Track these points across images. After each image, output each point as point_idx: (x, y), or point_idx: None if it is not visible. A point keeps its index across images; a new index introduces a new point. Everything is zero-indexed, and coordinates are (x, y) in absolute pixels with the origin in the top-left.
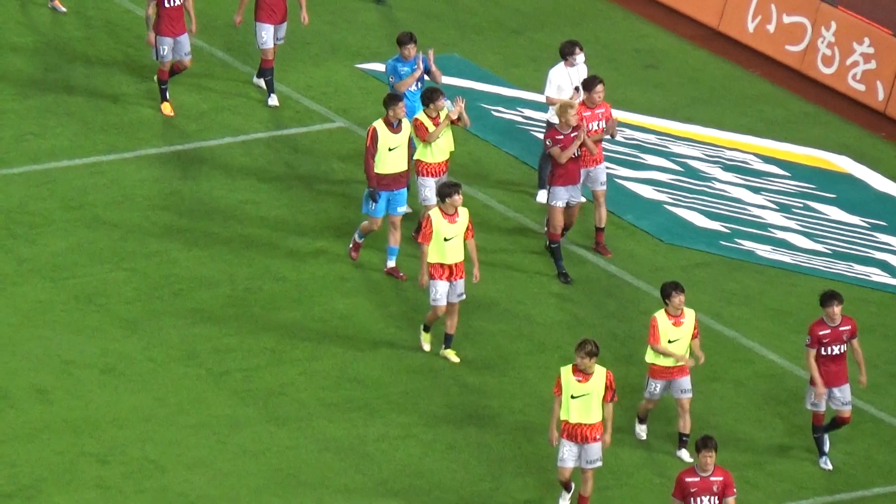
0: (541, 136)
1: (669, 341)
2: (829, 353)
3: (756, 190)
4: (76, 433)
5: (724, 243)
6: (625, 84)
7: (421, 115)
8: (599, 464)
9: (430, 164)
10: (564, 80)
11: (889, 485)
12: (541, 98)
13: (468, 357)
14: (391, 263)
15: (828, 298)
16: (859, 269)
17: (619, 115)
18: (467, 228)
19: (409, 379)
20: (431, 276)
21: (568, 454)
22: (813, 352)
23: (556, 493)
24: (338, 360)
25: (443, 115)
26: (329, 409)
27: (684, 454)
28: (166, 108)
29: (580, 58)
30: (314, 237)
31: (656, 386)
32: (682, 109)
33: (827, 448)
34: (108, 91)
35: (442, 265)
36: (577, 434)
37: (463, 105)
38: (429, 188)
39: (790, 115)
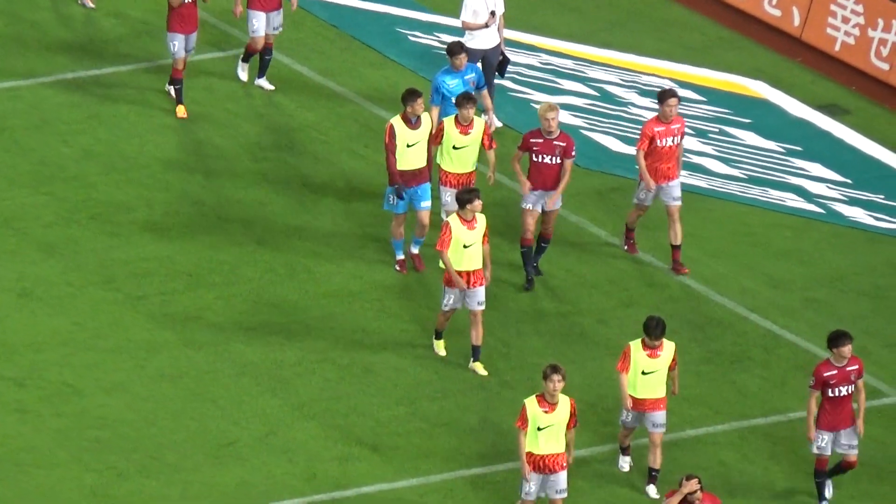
0: None
1: (644, 372)
2: (837, 394)
3: None
4: None
5: None
6: (542, 8)
7: (448, 121)
8: (566, 493)
9: (451, 173)
10: (480, 4)
11: (804, 409)
12: (457, 23)
13: (386, 282)
14: (414, 250)
15: (839, 338)
16: (774, 194)
17: (535, 39)
18: (484, 233)
19: (326, 303)
20: (447, 284)
21: (534, 487)
22: (815, 394)
23: (472, 417)
24: (255, 285)
25: (477, 124)
26: (246, 334)
27: (652, 490)
28: (180, 111)
29: None
30: (232, 161)
31: (628, 415)
32: (599, 34)
33: (829, 494)
34: (26, 16)
35: (459, 272)
36: (545, 465)
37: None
38: (449, 194)
39: (707, 40)
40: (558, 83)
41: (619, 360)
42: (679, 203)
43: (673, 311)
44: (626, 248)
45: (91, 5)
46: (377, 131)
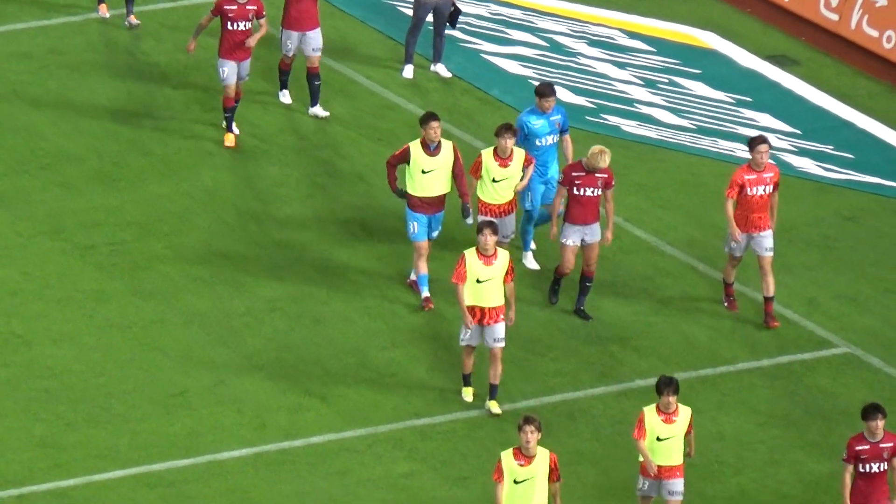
0: (408, 11)
1: (659, 439)
2: (867, 470)
3: (621, 65)
4: None
5: (590, 118)
6: None
7: (486, 154)
8: None
9: (491, 205)
10: None
11: (753, 360)
12: None
13: (337, 233)
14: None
15: (871, 411)
16: (724, 145)
17: None
18: (507, 272)
19: (276, 253)
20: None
21: None
22: (850, 468)
23: (420, 367)
24: (204, 235)
25: (516, 156)
26: (195, 283)
27: None
28: (229, 139)
29: None
30: (181, 111)
31: (645, 483)
32: None
33: None
34: None
35: (473, 307)
36: None
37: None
38: None
39: None
40: (507, 33)
41: (634, 428)
42: (771, 254)
43: (622, 261)
44: (725, 304)
45: (136, 22)
46: (325, 82)
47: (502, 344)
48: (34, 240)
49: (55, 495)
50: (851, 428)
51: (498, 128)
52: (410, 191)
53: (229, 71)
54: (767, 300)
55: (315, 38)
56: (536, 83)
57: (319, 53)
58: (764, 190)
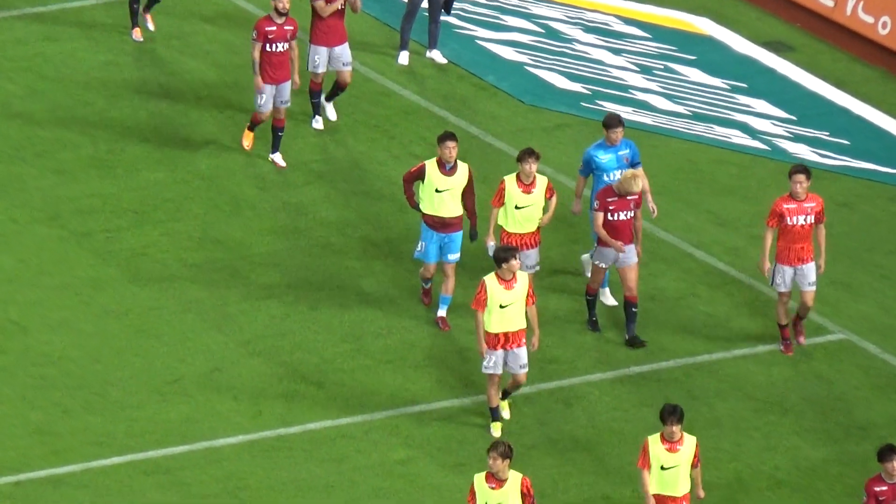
0: None
1: (663, 468)
2: None
3: (617, 51)
4: None
5: (585, 105)
6: None
7: (509, 179)
8: None
9: (513, 234)
10: None
11: (748, 346)
12: None
13: (331, 218)
14: (441, 312)
15: (887, 453)
16: (719, 131)
17: None
18: (528, 294)
19: (272, 240)
20: (486, 344)
21: None
22: None
23: (416, 354)
24: (200, 221)
25: (540, 183)
26: (191, 270)
27: None
28: (247, 139)
29: None
30: (177, 98)
31: None
32: None
33: None
34: None
35: (496, 334)
36: None
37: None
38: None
39: None
40: (502, 19)
41: (638, 457)
42: (813, 289)
43: None
44: (781, 348)
45: (139, 38)
46: None
47: (527, 369)
48: (30, 227)
49: (52, 482)
50: (847, 414)
51: (520, 153)
52: (423, 208)
53: (267, 97)
54: (799, 319)
55: (343, 53)
56: (531, 69)
57: (350, 67)
58: (805, 220)
